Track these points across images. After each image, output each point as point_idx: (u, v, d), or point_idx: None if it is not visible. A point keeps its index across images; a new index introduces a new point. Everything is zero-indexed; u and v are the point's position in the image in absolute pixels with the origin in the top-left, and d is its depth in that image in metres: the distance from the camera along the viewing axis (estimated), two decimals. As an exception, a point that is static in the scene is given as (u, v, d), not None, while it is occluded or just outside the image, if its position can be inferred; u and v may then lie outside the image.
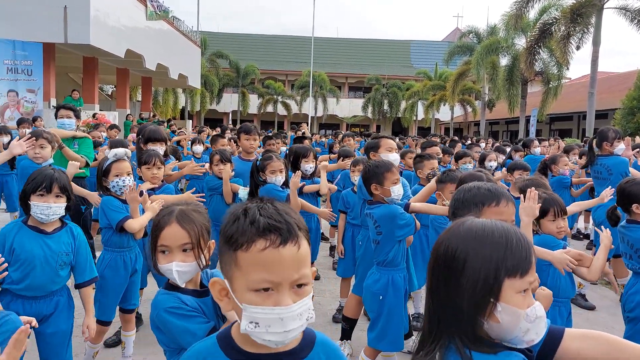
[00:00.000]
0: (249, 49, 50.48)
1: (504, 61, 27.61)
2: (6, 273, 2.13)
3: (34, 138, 4.23)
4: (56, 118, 5.51)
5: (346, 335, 3.98)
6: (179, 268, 1.81)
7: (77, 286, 2.90)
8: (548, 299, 1.90)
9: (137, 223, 3.23)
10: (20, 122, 8.57)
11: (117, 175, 3.36)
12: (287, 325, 1.08)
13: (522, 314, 1.17)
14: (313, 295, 4.33)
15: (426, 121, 42.69)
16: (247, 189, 4.48)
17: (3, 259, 2.08)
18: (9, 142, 6.54)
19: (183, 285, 1.85)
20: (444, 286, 1.21)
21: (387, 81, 44.21)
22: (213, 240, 1.93)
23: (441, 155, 6.62)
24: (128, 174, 3.39)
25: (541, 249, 2.78)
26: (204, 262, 1.87)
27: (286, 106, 42.60)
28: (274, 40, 54.99)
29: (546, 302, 1.87)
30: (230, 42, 49.73)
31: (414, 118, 42.45)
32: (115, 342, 3.94)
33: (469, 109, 37.14)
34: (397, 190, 3.31)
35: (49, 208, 2.69)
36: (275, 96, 42.66)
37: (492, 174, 5.59)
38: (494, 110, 33.99)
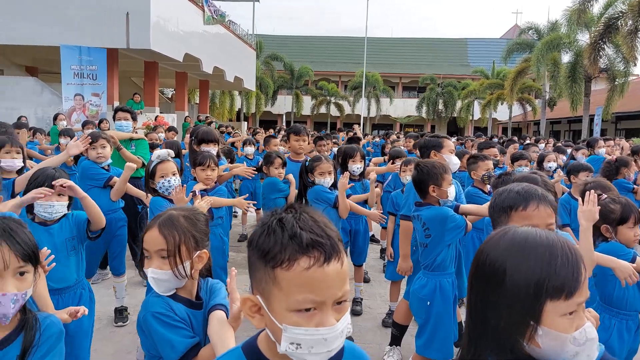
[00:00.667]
0: (303, 50, 50.82)
1: (565, 58, 26.39)
2: (54, 264, 2.18)
3: (90, 139, 4.36)
4: (114, 120, 5.72)
5: (396, 341, 3.90)
6: (154, 275, 1.77)
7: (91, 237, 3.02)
8: (594, 321, 1.75)
9: None
10: (85, 124, 8.99)
11: (162, 177, 3.42)
12: (331, 345, 1.03)
13: (567, 338, 1.05)
14: (362, 299, 4.20)
15: (483, 121, 41.56)
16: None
17: (49, 251, 2.12)
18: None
19: (164, 294, 1.79)
20: (481, 300, 1.13)
21: (443, 80, 43.38)
22: (205, 251, 1.86)
23: (498, 158, 6.37)
24: (173, 174, 3.45)
25: (604, 255, 2.58)
26: (184, 274, 1.78)
27: (339, 107, 42.62)
28: (327, 42, 55.15)
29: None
30: (284, 44, 50.29)
31: (470, 118, 41.43)
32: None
33: (529, 108, 35.82)
34: (452, 192, 3.22)
35: (52, 207, 2.84)
36: (328, 97, 42.76)
37: (551, 176, 5.34)
38: (555, 109, 32.63)
